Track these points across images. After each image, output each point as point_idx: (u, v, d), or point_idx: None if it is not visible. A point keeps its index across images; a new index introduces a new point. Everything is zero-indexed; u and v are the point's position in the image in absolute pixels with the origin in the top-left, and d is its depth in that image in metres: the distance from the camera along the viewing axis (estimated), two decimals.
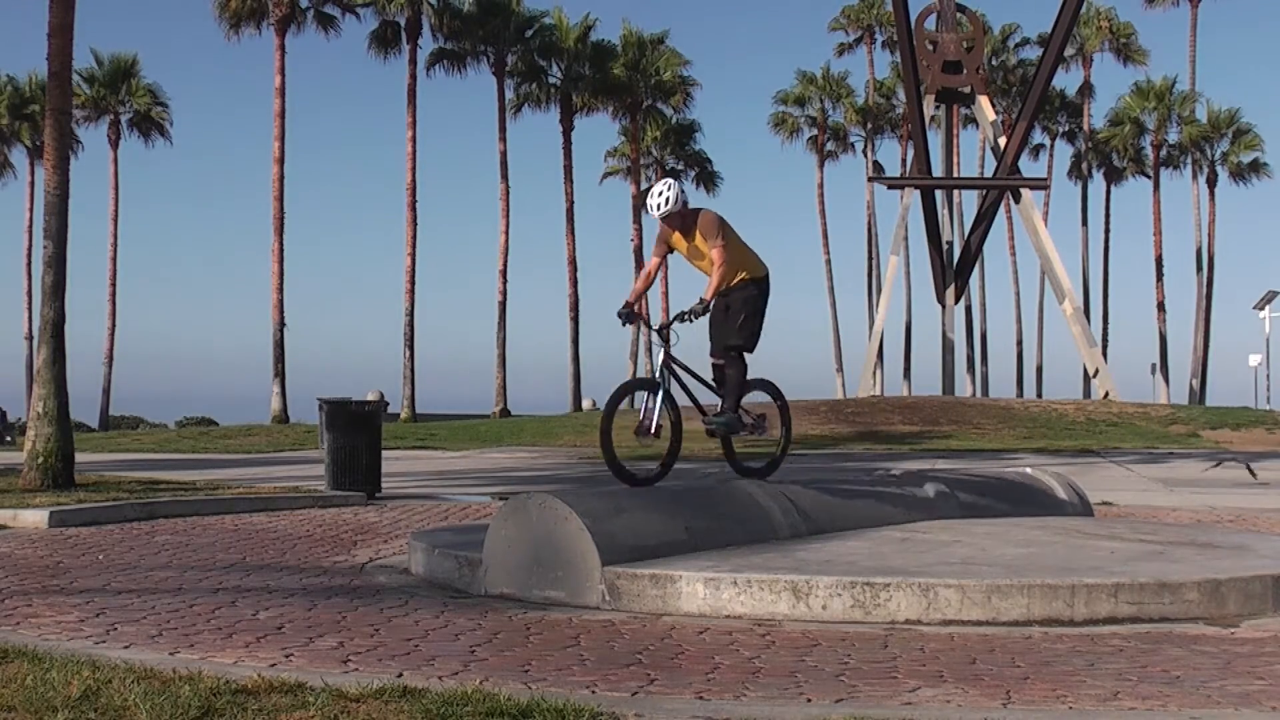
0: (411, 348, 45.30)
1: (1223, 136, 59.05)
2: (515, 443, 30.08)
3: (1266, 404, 50.15)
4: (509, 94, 50.84)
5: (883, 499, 8.85)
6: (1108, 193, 61.10)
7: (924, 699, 4.56)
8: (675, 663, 5.17)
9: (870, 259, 60.32)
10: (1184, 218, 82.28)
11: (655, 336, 8.24)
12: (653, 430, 7.99)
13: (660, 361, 8.22)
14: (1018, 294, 61.03)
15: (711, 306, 8.21)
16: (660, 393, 8.08)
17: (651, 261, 8.55)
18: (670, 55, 52.90)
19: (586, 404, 48.75)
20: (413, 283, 45.69)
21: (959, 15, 44.25)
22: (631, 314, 8.39)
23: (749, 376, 8.52)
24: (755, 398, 8.84)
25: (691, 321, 8.11)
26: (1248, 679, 4.92)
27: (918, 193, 43.19)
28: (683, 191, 8.22)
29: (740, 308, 8.29)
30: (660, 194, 8.11)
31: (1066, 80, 59.98)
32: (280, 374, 42.41)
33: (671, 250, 8.44)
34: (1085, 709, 4.43)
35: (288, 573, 7.74)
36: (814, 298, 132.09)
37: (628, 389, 8.70)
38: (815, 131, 60.43)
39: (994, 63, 56.67)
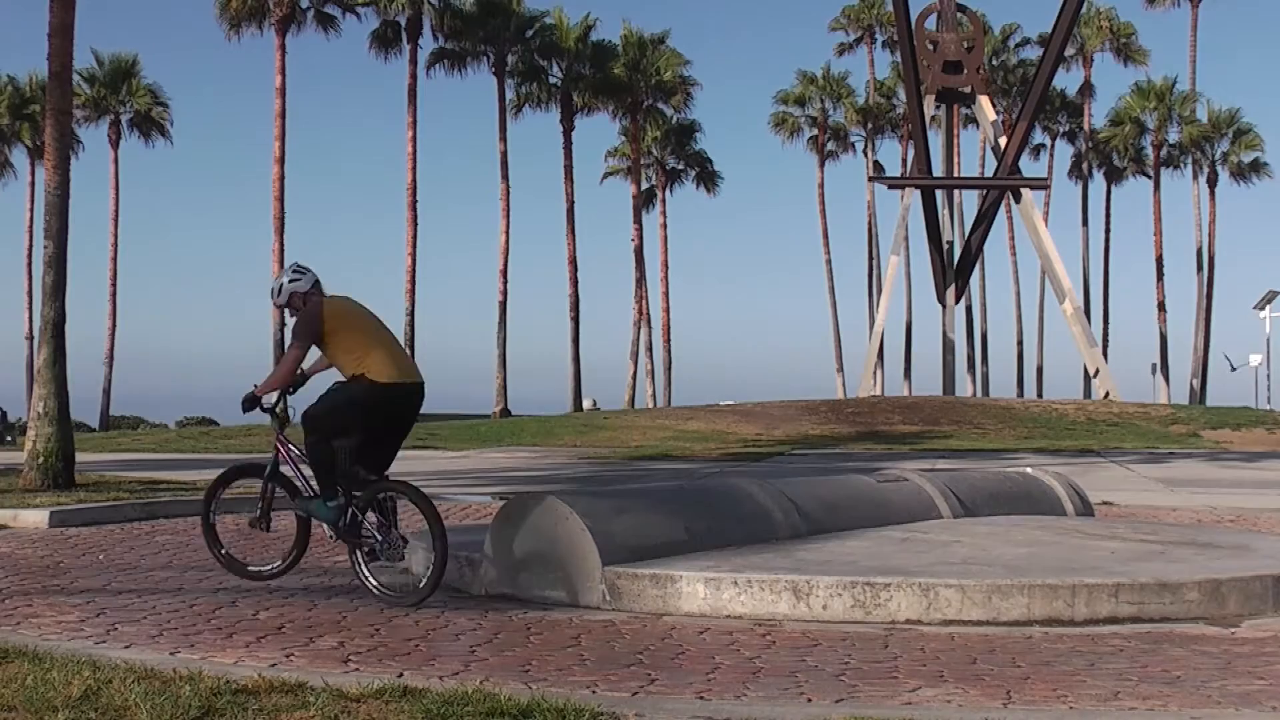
0: (412, 348, 45.29)
1: (1223, 136, 59.05)
2: (515, 443, 30.08)
3: (1267, 404, 50.18)
4: (509, 94, 50.88)
5: (883, 499, 8.84)
6: (1108, 193, 61.15)
7: (924, 699, 4.56)
8: (675, 663, 5.17)
9: (870, 259, 60.32)
10: (1184, 218, 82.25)
11: (270, 416, 7.45)
12: (266, 522, 7.40)
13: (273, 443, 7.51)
14: (1018, 294, 61.08)
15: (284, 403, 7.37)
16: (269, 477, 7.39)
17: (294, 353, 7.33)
18: (670, 55, 52.88)
19: (587, 404, 48.77)
20: (413, 283, 45.71)
21: (959, 15, 44.28)
22: (253, 401, 7.27)
23: (394, 480, 7.27)
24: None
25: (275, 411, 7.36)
26: (1248, 679, 4.92)
27: (918, 193, 43.20)
28: (298, 278, 7.31)
29: (329, 390, 7.31)
30: (272, 285, 7.43)
31: (1067, 80, 60.05)
32: None
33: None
34: (1086, 709, 4.43)
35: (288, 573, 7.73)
36: (814, 298, 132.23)
37: (234, 474, 7.68)
38: (815, 131, 60.42)
39: (994, 63, 56.66)
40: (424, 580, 6.79)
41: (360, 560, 7.06)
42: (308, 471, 7.25)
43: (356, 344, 7.23)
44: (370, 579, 6.97)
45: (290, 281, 7.33)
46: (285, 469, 7.37)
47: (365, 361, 7.16)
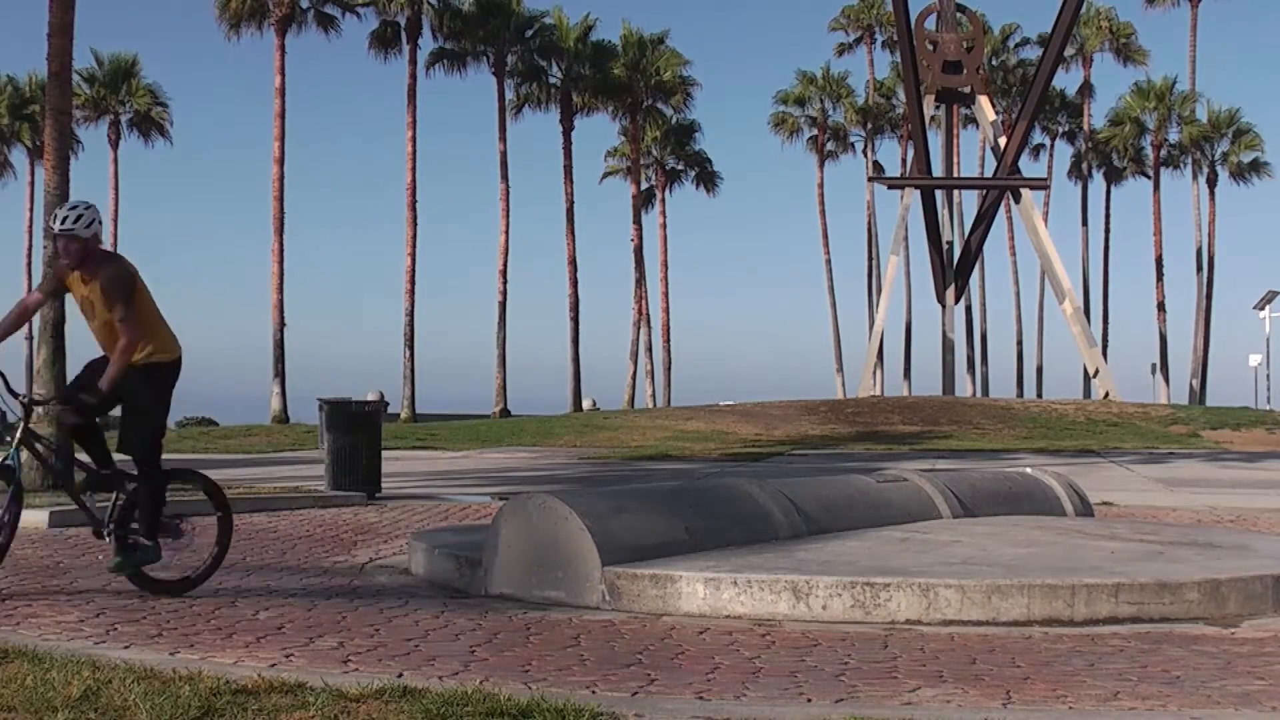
0: (411, 348, 45.27)
1: (1223, 136, 59.01)
2: (515, 443, 30.07)
3: (1267, 404, 50.14)
4: (509, 94, 50.84)
5: (882, 499, 8.84)
6: (1108, 193, 61.13)
7: (924, 699, 4.56)
8: (675, 663, 5.17)
9: (870, 259, 60.30)
10: (1184, 218, 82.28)
11: (11, 403, 6.48)
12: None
13: (17, 438, 6.45)
14: (1018, 294, 61.03)
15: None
16: (11, 485, 6.44)
17: (32, 295, 6.83)
18: (670, 55, 52.86)
19: (587, 404, 48.75)
20: (413, 283, 45.66)
21: (959, 15, 44.27)
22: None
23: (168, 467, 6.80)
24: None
25: (78, 414, 6.52)
26: (1248, 679, 4.92)
27: (918, 193, 43.19)
28: (99, 224, 6.52)
29: (140, 401, 6.59)
30: (73, 208, 6.51)
31: (1066, 80, 60.00)
32: (280, 374, 42.38)
33: (65, 291, 6.73)
34: (1085, 709, 4.43)
35: (288, 573, 7.74)
36: (814, 298, 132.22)
37: None
38: (815, 131, 60.40)
39: (994, 63, 56.63)
40: (204, 565, 6.79)
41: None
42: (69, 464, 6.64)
43: (149, 316, 6.62)
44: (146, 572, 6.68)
45: (99, 222, 6.52)
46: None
47: (161, 337, 6.64)
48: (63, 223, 6.44)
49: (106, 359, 6.58)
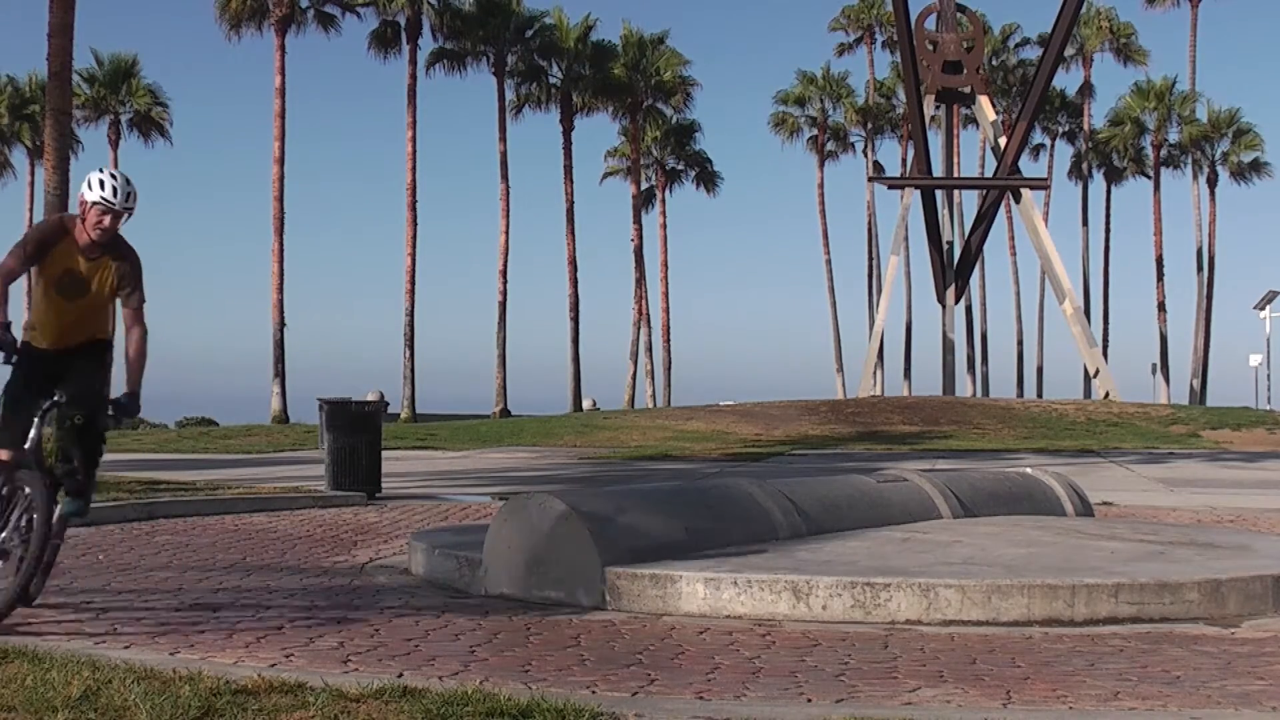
0: (411, 348, 45.28)
1: (1223, 136, 59.00)
2: (515, 443, 30.07)
3: (1267, 404, 50.12)
4: (509, 94, 50.86)
5: (882, 499, 8.84)
6: (1108, 193, 61.13)
7: (924, 699, 4.56)
8: (675, 663, 5.17)
9: (870, 259, 60.31)
10: (1184, 218, 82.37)
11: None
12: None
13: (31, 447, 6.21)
14: (1018, 294, 61.05)
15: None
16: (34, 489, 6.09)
17: (5, 263, 6.20)
18: (670, 55, 52.87)
19: (587, 404, 48.74)
20: (413, 283, 45.67)
21: (959, 15, 44.26)
22: (8, 343, 6.03)
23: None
24: None
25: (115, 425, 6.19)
26: (1248, 679, 4.92)
27: (918, 193, 43.19)
28: None
29: (101, 375, 6.36)
30: (127, 182, 5.97)
31: (1066, 80, 60.02)
32: (280, 374, 42.39)
33: (41, 261, 6.23)
34: (1085, 709, 4.43)
35: (288, 573, 7.74)
36: (814, 298, 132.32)
37: None
38: (815, 131, 60.41)
39: (994, 63, 56.64)
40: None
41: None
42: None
43: None
44: None
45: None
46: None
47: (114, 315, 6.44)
48: (126, 200, 5.90)
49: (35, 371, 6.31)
